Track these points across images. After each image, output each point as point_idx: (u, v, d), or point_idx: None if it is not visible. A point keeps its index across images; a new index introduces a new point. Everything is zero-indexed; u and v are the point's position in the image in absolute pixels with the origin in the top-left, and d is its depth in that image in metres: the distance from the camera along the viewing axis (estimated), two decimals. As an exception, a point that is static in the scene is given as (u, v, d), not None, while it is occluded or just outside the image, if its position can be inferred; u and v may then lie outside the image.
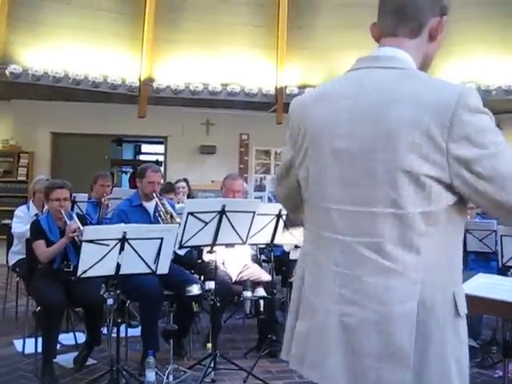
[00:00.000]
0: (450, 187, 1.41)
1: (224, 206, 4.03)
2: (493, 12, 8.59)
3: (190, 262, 5.34)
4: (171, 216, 4.62)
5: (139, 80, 8.91)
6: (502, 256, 4.69)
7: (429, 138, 1.38)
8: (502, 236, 4.67)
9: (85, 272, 3.61)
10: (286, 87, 9.23)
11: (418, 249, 1.41)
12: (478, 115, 1.38)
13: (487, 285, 2.43)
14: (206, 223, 3.99)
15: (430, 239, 1.42)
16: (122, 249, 3.64)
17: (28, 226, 4.81)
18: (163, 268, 3.90)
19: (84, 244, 3.58)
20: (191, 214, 3.92)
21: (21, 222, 5.52)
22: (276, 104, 9.27)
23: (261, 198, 9.89)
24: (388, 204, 1.42)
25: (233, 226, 4.10)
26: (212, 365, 4.20)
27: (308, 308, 1.58)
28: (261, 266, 5.33)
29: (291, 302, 1.69)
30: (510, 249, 4.61)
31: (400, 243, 1.41)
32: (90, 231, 3.67)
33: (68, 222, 4.34)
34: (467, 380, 1.47)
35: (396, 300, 1.41)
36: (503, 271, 4.71)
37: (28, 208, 5.71)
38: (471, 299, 2.30)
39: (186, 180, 7.07)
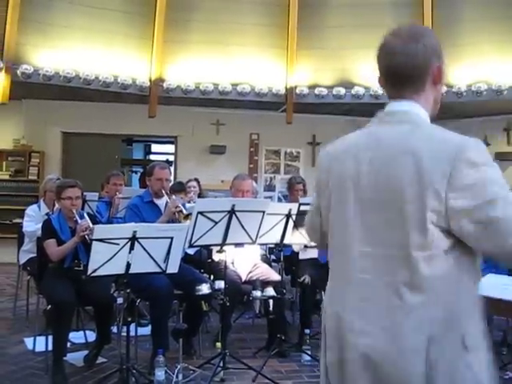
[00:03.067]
0: (449, 232, 1.49)
1: (234, 205, 4.03)
2: (503, 12, 8.53)
3: (200, 261, 5.36)
4: (180, 211, 4.62)
5: (149, 80, 8.93)
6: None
7: (430, 189, 1.47)
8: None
9: (95, 271, 3.63)
10: (296, 87, 9.20)
11: (424, 289, 1.49)
12: (477, 168, 1.45)
13: (497, 286, 2.43)
14: (216, 223, 4.00)
15: (435, 281, 1.49)
16: (132, 248, 3.66)
17: (39, 225, 4.84)
18: (173, 267, 3.92)
19: (94, 243, 3.59)
20: (201, 213, 3.92)
21: (32, 220, 5.57)
22: (286, 104, 9.25)
23: (271, 197, 9.88)
24: (399, 247, 1.53)
25: (242, 226, 4.10)
26: (221, 364, 4.21)
27: (335, 339, 1.67)
28: (270, 265, 5.33)
29: (323, 337, 1.77)
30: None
31: (408, 283, 1.51)
32: (100, 230, 3.68)
33: (79, 220, 4.36)
34: None
35: (405, 335, 1.50)
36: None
37: (39, 207, 5.75)
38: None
39: (196, 180, 7.13)
